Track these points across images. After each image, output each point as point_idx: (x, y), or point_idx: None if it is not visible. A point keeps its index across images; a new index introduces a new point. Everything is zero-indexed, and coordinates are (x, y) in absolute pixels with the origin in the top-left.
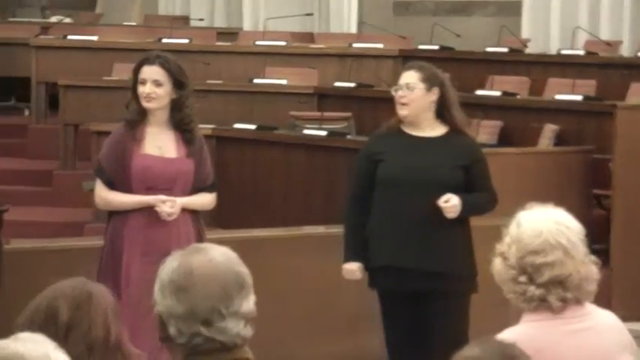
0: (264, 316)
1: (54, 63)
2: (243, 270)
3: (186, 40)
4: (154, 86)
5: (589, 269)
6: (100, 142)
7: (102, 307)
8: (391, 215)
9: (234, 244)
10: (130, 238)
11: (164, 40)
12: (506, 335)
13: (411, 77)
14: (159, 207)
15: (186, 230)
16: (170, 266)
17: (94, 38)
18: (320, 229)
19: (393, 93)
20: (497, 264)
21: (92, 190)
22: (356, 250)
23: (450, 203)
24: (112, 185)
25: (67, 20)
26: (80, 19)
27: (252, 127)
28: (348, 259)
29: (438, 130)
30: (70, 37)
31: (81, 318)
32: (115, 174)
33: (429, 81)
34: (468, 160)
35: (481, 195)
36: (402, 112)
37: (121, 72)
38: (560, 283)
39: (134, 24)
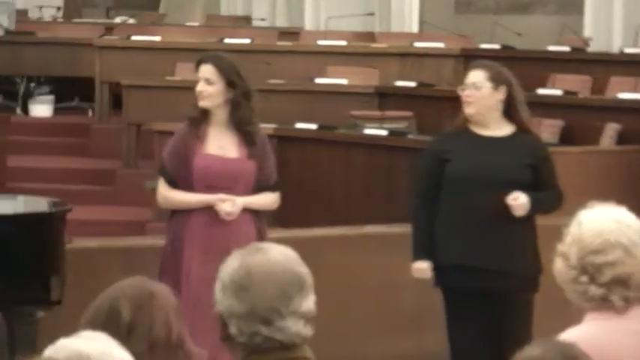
0: (325, 314)
1: (117, 63)
2: (303, 269)
3: (247, 40)
4: (206, 84)
5: None
6: (162, 142)
7: (163, 306)
8: (460, 214)
9: (296, 244)
10: (191, 237)
11: (226, 40)
12: (568, 335)
13: (477, 76)
14: (218, 206)
15: (247, 230)
16: (231, 266)
17: (157, 38)
18: (381, 228)
19: (460, 92)
20: (559, 264)
21: (154, 190)
22: (425, 249)
23: (519, 201)
24: (174, 184)
25: (131, 21)
26: (144, 19)
27: (314, 126)
28: (417, 258)
29: (505, 129)
30: (133, 37)
31: (143, 317)
32: (177, 173)
33: (496, 80)
34: (536, 158)
35: (548, 193)
36: (468, 110)
37: (183, 72)
38: (622, 282)
39: (196, 24)
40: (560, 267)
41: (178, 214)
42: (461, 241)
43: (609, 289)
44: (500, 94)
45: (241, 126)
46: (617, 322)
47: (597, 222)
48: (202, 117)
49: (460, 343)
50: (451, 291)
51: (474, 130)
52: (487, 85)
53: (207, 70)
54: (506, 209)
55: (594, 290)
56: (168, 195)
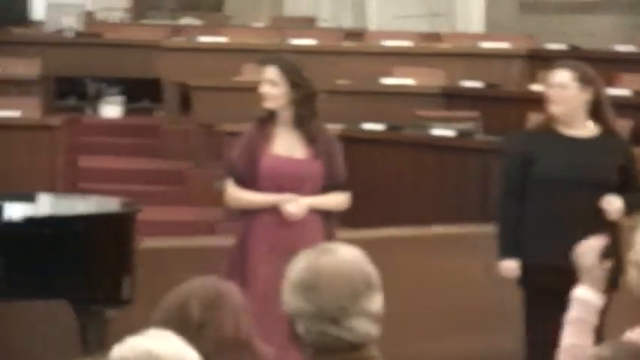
0: (393, 314)
1: (185, 64)
2: (371, 269)
3: (313, 41)
4: (270, 86)
5: None
6: (230, 143)
7: (232, 306)
8: (552, 214)
9: (365, 244)
10: (258, 236)
11: (291, 41)
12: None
13: (564, 76)
14: (282, 206)
15: (314, 230)
16: (298, 266)
17: (223, 39)
18: (451, 229)
19: (545, 91)
20: (633, 274)
21: (223, 190)
22: (514, 248)
23: (615, 206)
24: (242, 184)
25: (197, 22)
26: (209, 20)
27: (381, 126)
28: (506, 256)
29: (591, 129)
30: (200, 38)
31: (212, 317)
32: (245, 173)
33: (583, 80)
34: (625, 159)
35: (637, 195)
36: (554, 109)
37: (250, 73)
38: None
39: (262, 25)
40: (635, 277)
41: (246, 213)
42: (551, 241)
43: None
44: (587, 95)
45: (304, 126)
46: None
47: None
48: (269, 117)
49: (539, 344)
50: (537, 291)
51: (559, 130)
52: (574, 85)
53: (270, 72)
54: (596, 211)
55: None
56: (236, 195)
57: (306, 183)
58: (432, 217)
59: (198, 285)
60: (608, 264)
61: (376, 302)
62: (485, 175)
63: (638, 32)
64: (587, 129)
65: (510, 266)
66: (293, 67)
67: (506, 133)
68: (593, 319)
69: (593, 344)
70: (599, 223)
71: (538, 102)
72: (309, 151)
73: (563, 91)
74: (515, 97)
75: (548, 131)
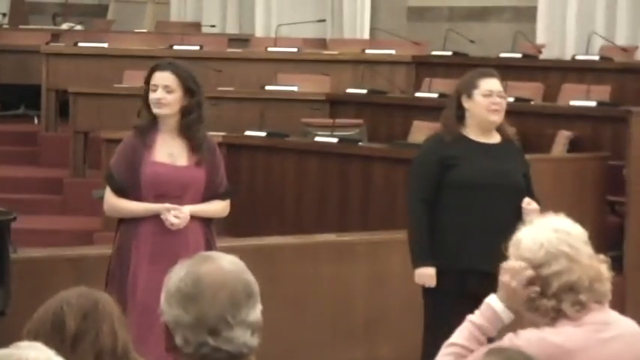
0: (278, 324)
1: (65, 70)
2: (251, 278)
3: (197, 47)
4: (165, 92)
5: (598, 269)
6: (110, 150)
7: (108, 315)
8: (471, 218)
9: (247, 252)
10: (138, 246)
11: (175, 47)
12: (524, 339)
13: (500, 85)
14: (164, 215)
15: (196, 238)
16: (177, 275)
17: (105, 45)
18: (333, 237)
19: (480, 98)
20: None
21: (102, 199)
22: (430, 254)
23: (533, 206)
24: (122, 192)
25: (78, 27)
26: (92, 25)
27: (264, 134)
28: (422, 263)
29: (496, 137)
30: (80, 44)
31: (88, 327)
32: (125, 181)
33: (504, 89)
34: (526, 167)
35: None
36: (496, 118)
37: (131, 79)
38: (570, 288)
39: (145, 30)
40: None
41: (126, 223)
42: (473, 245)
43: (559, 299)
44: None
45: (191, 133)
46: (578, 330)
47: (536, 236)
48: (150, 125)
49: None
50: (451, 295)
51: (471, 137)
52: (504, 95)
53: (166, 78)
54: (516, 215)
55: (546, 303)
56: (116, 203)
57: (188, 191)
58: (316, 225)
59: (74, 295)
60: (532, 290)
61: (256, 312)
62: (367, 182)
63: (523, 40)
64: (494, 136)
65: (428, 273)
66: (188, 74)
67: (390, 141)
68: (491, 332)
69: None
70: (517, 228)
71: (423, 109)
72: (193, 158)
73: (503, 101)
74: (401, 104)
75: (462, 138)
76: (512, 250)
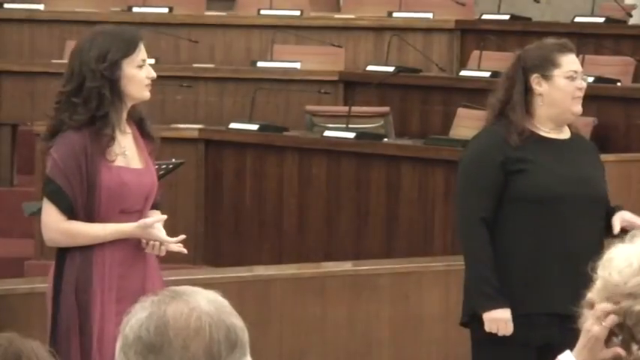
0: None
1: None
2: (237, 323)
3: (165, 10)
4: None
5: None
6: (47, 150)
7: None
8: (551, 243)
9: (232, 287)
10: (102, 282)
11: (135, 9)
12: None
13: (579, 65)
14: (152, 237)
15: (157, 268)
16: (137, 318)
17: (40, 7)
18: (347, 266)
19: (562, 81)
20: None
21: (34, 214)
22: (501, 292)
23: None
24: (72, 212)
25: None
26: None
27: (255, 127)
28: (495, 305)
29: (566, 130)
30: (7, 5)
31: None
32: (78, 197)
33: None
34: (603, 170)
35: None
36: (580, 108)
37: None
38: None
39: None
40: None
41: (76, 253)
42: (555, 281)
43: None
44: None
45: (145, 122)
46: None
47: (635, 255)
48: (102, 117)
49: None
50: (513, 344)
51: (541, 132)
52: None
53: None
54: (602, 235)
55: (636, 351)
56: (71, 229)
57: (148, 201)
58: (325, 250)
59: None
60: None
61: None
62: (394, 192)
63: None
64: (565, 131)
65: (503, 317)
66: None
67: (426, 136)
68: None
69: None
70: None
71: (470, 93)
72: (144, 155)
73: (584, 84)
74: (440, 87)
75: (529, 133)
76: (600, 272)
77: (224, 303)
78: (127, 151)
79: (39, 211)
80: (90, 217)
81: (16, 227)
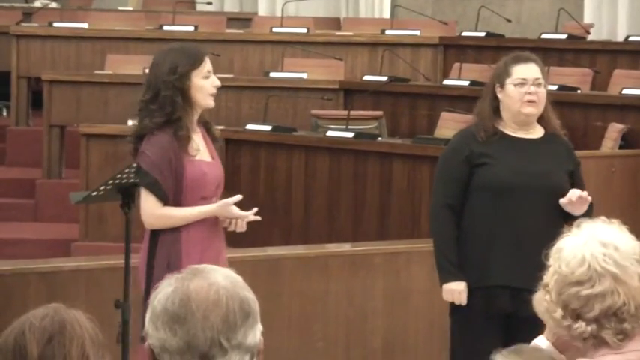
0: (282, 347)
1: (38, 55)
2: (250, 295)
3: (191, 28)
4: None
5: None
6: (90, 147)
7: (78, 336)
8: (503, 227)
9: (246, 265)
10: (189, 255)
11: (166, 28)
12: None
13: (538, 72)
14: (230, 216)
15: (225, 242)
16: (164, 292)
17: (85, 26)
18: (346, 247)
19: (511, 88)
20: (542, 300)
21: (80, 203)
22: (458, 267)
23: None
24: (166, 200)
25: (54, 5)
26: (69, 3)
27: (267, 128)
28: (451, 278)
29: (538, 131)
30: (56, 24)
31: (53, 352)
32: (169, 187)
33: (544, 76)
34: (574, 164)
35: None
36: (530, 110)
37: (114, 65)
38: (613, 314)
39: (131, 9)
40: (545, 303)
41: (167, 234)
42: (508, 258)
43: (600, 325)
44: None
45: (210, 123)
46: (616, 357)
47: (579, 247)
48: (182, 119)
49: None
50: (479, 313)
51: (507, 131)
52: (543, 82)
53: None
54: (554, 223)
55: (584, 327)
56: (167, 213)
57: (219, 189)
58: (326, 233)
59: (39, 316)
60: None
61: (255, 333)
62: (387, 184)
63: (567, 18)
64: (536, 131)
65: (458, 288)
66: None
67: (414, 136)
68: None
69: None
70: (556, 237)
71: (451, 99)
72: (212, 150)
73: (540, 89)
74: (426, 94)
75: (495, 133)
76: (552, 260)
77: (238, 278)
78: (200, 148)
79: (84, 200)
80: (177, 204)
81: (64, 214)
